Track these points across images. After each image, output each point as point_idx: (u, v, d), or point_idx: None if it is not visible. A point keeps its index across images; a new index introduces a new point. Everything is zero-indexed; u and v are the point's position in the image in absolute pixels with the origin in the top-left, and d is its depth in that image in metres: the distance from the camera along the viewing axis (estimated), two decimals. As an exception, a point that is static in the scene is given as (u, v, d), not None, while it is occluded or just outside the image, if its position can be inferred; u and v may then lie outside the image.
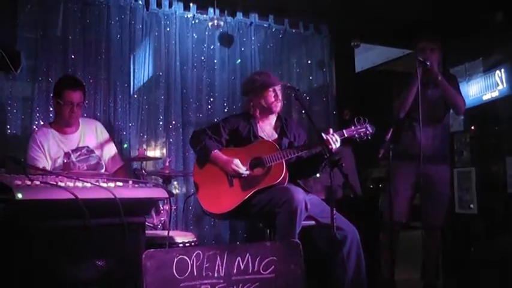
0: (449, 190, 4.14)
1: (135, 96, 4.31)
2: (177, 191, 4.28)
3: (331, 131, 3.20)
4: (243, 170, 3.22)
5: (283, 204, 2.98)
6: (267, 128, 3.51)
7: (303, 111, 3.45)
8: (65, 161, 3.26)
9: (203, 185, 3.32)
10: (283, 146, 3.39)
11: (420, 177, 3.61)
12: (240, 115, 3.60)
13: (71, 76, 3.83)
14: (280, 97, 3.44)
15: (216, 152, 3.29)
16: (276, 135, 3.50)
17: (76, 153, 3.45)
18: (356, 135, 3.25)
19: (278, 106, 3.44)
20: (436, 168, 3.90)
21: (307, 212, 3.05)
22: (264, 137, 3.44)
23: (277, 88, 3.44)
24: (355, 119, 3.24)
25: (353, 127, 3.25)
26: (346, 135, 3.23)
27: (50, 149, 3.41)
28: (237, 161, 3.23)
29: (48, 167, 3.33)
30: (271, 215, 3.07)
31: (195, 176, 3.37)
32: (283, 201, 2.99)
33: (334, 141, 3.16)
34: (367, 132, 3.24)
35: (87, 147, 3.52)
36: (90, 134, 3.59)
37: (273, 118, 3.54)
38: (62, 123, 3.50)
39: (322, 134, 3.10)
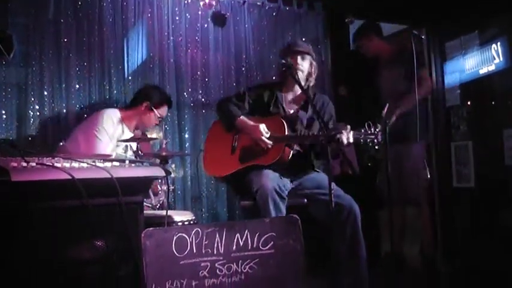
0: (425, 165, 4.16)
1: (130, 78, 4.28)
2: (174, 174, 4.27)
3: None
4: (266, 137, 3.27)
5: (256, 192, 3.09)
6: (289, 99, 3.57)
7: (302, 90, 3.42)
8: (61, 144, 3.26)
9: (211, 146, 3.56)
10: (299, 120, 3.45)
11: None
12: (265, 84, 3.73)
13: (169, 95, 4.02)
14: (300, 65, 3.48)
15: (242, 118, 3.40)
16: (295, 107, 3.52)
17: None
18: (362, 141, 3.06)
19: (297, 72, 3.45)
20: (405, 146, 3.98)
21: (285, 196, 3.15)
22: (284, 107, 3.50)
23: (299, 56, 3.50)
24: (366, 124, 3.04)
25: (363, 130, 3.05)
26: (352, 137, 3.02)
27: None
28: (263, 127, 3.29)
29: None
30: (251, 195, 3.18)
31: (208, 135, 3.66)
32: (256, 189, 3.10)
33: (347, 138, 3.03)
34: (375, 141, 3.04)
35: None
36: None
37: (297, 89, 3.54)
38: (138, 124, 3.82)
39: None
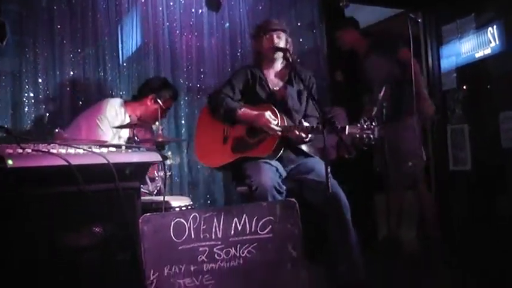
0: (421, 147, 4.17)
1: (125, 64, 4.24)
2: (171, 160, 4.26)
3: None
4: (275, 124, 3.17)
5: (256, 189, 3.03)
6: (271, 76, 3.52)
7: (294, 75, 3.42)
8: (57, 130, 3.24)
9: (201, 134, 3.52)
10: (289, 96, 3.40)
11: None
12: (244, 67, 3.64)
13: (175, 88, 3.99)
14: (277, 43, 3.42)
15: (243, 110, 3.30)
16: (280, 84, 3.49)
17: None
18: (358, 135, 2.89)
19: (272, 53, 3.43)
20: (395, 126, 4.03)
21: (283, 190, 3.12)
22: (269, 85, 3.44)
23: (275, 34, 3.44)
24: (362, 119, 2.88)
25: (359, 125, 2.87)
26: (347, 132, 2.91)
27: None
28: (268, 114, 3.19)
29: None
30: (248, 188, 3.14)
31: (198, 122, 3.64)
32: (255, 187, 3.04)
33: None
34: (371, 136, 2.85)
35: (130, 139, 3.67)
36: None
37: (277, 65, 3.53)
38: (142, 116, 3.77)
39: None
